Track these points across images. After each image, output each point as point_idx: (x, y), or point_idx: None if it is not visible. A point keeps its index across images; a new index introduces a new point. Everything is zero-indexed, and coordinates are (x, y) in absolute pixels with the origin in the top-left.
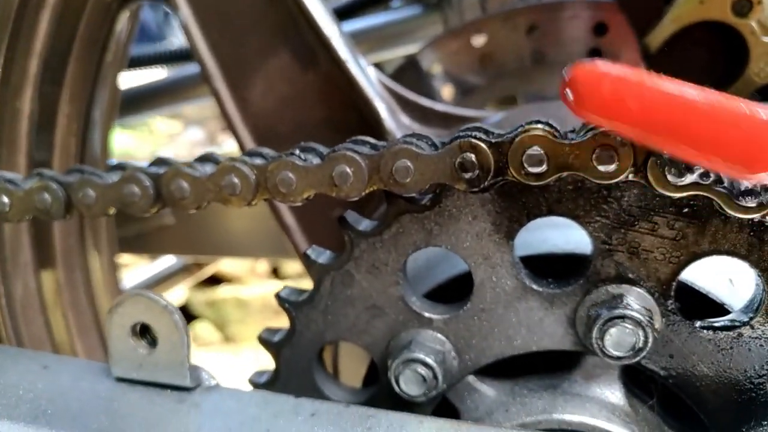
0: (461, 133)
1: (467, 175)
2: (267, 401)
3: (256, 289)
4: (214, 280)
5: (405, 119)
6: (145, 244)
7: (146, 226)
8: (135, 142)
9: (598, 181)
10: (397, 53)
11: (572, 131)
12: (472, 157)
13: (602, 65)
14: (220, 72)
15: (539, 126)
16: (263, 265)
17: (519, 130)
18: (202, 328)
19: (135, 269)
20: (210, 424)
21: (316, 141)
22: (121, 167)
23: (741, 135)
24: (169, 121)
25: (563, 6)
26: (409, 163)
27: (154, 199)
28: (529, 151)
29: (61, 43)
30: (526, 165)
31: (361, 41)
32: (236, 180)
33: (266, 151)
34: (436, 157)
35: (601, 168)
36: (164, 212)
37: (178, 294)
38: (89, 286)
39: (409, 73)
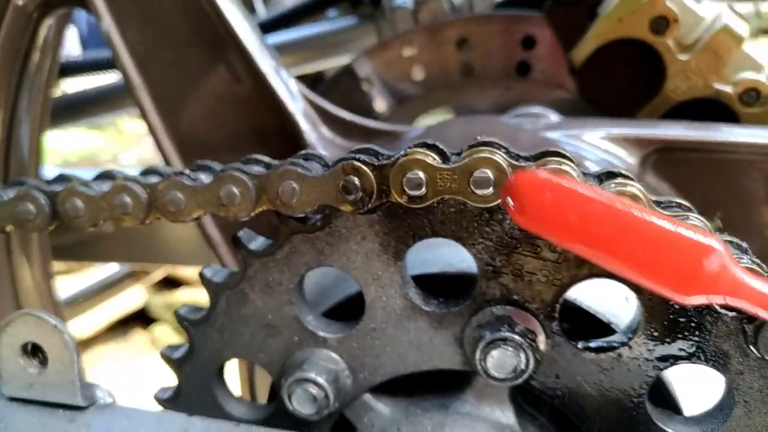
0: (346, 155)
1: (351, 197)
2: (159, 420)
3: None
4: (173, 283)
5: (327, 132)
6: (82, 252)
7: (84, 234)
8: (102, 143)
9: (477, 205)
10: (333, 63)
11: (457, 153)
12: (355, 179)
13: (545, 174)
14: (144, 83)
15: (420, 150)
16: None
17: (401, 153)
18: (161, 332)
19: (78, 276)
20: None
21: (242, 154)
22: (19, 183)
23: (675, 259)
24: (137, 121)
25: (492, 19)
26: (294, 185)
27: (50, 217)
28: (409, 175)
29: None
30: (406, 188)
31: (298, 51)
32: (128, 199)
33: (164, 169)
34: (321, 178)
35: (479, 192)
36: None
37: (136, 297)
38: (17, 297)
39: (344, 82)
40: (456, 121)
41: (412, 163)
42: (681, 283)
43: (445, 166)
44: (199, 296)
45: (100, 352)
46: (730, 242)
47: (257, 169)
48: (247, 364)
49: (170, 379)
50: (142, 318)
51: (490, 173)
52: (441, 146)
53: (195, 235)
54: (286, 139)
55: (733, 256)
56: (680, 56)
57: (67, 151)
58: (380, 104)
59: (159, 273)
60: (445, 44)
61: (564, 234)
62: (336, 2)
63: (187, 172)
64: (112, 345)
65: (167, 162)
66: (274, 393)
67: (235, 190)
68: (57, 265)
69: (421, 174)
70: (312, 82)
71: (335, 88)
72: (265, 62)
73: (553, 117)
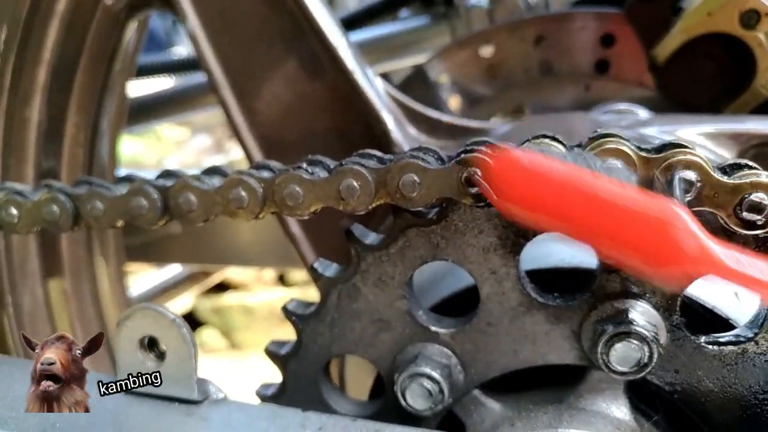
0: (468, 147)
1: (473, 190)
2: (275, 415)
3: (262, 296)
4: (221, 287)
5: (412, 130)
6: (151, 253)
7: (153, 235)
8: (142, 149)
9: None
10: (404, 63)
11: (578, 146)
12: (478, 171)
13: (516, 152)
14: (227, 81)
15: (543, 141)
16: (270, 273)
17: (526, 144)
18: (208, 335)
19: (141, 277)
20: None
21: (323, 151)
22: (128, 179)
23: (649, 233)
24: (176, 128)
25: (571, 17)
26: (415, 177)
27: (162, 211)
28: None
29: (70, 53)
30: None
31: (369, 51)
32: (244, 193)
33: (273, 164)
34: (443, 171)
35: None
36: None
37: (184, 301)
38: (97, 295)
39: (416, 84)
40: (544, 117)
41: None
42: (653, 258)
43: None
44: (246, 300)
45: None
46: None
47: (373, 162)
48: (339, 360)
49: (217, 382)
50: (189, 321)
51: (619, 164)
52: (561, 138)
53: (262, 236)
54: (368, 136)
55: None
56: None
57: None
58: (453, 104)
59: (214, 278)
60: (523, 42)
61: (543, 213)
62: (408, 2)
63: (305, 165)
64: None
65: (250, 161)
66: (378, 389)
67: (355, 184)
68: None
69: None
70: None
71: (407, 89)
72: (350, 60)
73: (642, 113)
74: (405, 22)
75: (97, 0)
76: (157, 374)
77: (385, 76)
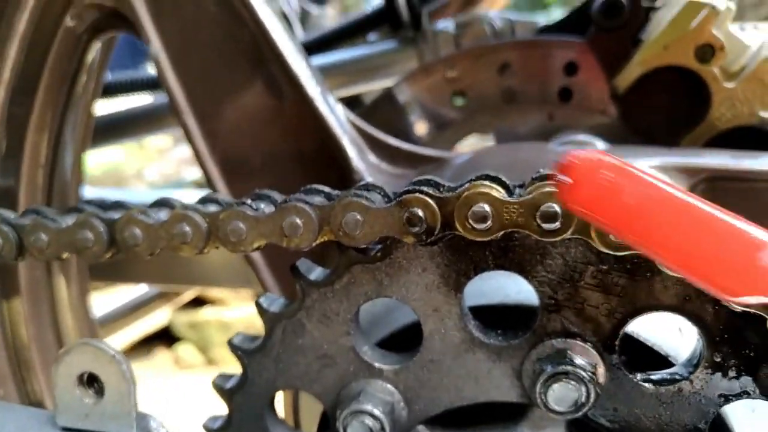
0: (409, 187)
1: (415, 229)
2: None
3: (239, 311)
4: (198, 302)
5: (373, 158)
6: (118, 273)
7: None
8: (124, 158)
9: (541, 239)
10: (373, 86)
11: (520, 186)
12: (419, 212)
13: (604, 155)
14: (189, 105)
15: (485, 183)
16: (248, 297)
17: (466, 186)
18: (184, 351)
19: (109, 296)
20: None
21: (286, 176)
22: (77, 210)
23: (728, 251)
24: (159, 137)
25: (535, 44)
26: (358, 216)
27: (108, 245)
28: (475, 208)
29: (30, 73)
30: (471, 221)
31: (338, 73)
32: (188, 228)
33: (221, 197)
34: (385, 210)
35: (546, 226)
36: None
37: (160, 316)
38: (56, 319)
39: (384, 107)
40: (503, 147)
41: (478, 196)
42: (732, 277)
43: (511, 199)
44: (223, 315)
45: None
46: None
47: (318, 199)
48: (292, 394)
49: (193, 398)
50: (165, 337)
51: (557, 207)
52: (503, 178)
53: (231, 257)
54: (330, 163)
55: None
56: (726, 84)
57: (91, 165)
58: (420, 129)
59: (189, 294)
60: (487, 69)
61: (617, 218)
62: (376, 25)
63: (249, 201)
64: (136, 363)
65: (211, 185)
66: (324, 424)
67: (298, 221)
68: None
69: (486, 207)
70: (348, 105)
71: (375, 112)
72: (311, 87)
73: (599, 144)
74: (373, 45)
75: (58, 21)
76: (96, 411)
77: (356, 99)
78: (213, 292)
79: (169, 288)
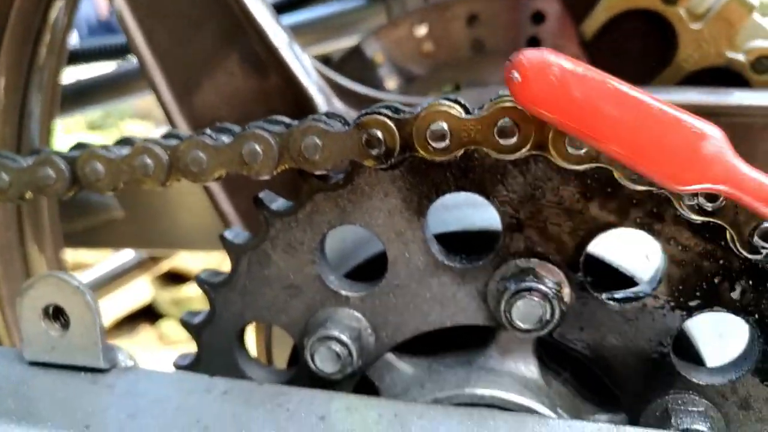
0: (368, 110)
1: (374, 152)
2: (182, 380)
3: None
4: (180, 279)
5: (340, 105)
6: (93, 239)
7: (94, 220)
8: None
9: (501, 156)
10: (342, 44)
11: (480, 108)
12: (378, 133)
13: (551, 53)
14: (156, 61)
15: (444, 102)
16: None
17: (424, 105)
18: (168, 327)
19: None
20: (120, 404)
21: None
22: (37, 152)
23: (672, 142)
24: (140, 123)
25: None
26: (317, 140)
27: (70, 182)
28: (433, 126)
29: None
30: (429, 140)
31: (308, 32)
32: (149, 161)
33: (182, 133)
34: (344, 134)
35: (503, 142)
36: (113, 206)
37: (144, 293)
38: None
39: (353, 62)
40: (470, 91)
41: (436, 115)
42: (677, 166)
43: (468, 116)
44: None
45: None
46: None
47: (278, 128)
48: (265, 331)
49: None
50: (149, 314)
51: (514, 122)
52: (462, 100)
53: (206, 219)
54: (299, 112)
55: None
56: (692, 25)
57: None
58: (390, 83)
59: (166, 265)
60: (455, 21)
61: (567, 113)
62: None
63: (209, 132)
64: (120, 341)
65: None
66: (294, 358)
67: (258, 148)
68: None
69: (444, 125)
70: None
71: (344, 68)
72: (278, 37)
73: None
74: (342, 2)
75: None
76: (62, 343)
77: (326, 58)
78: (196, 269)
79: (149, 253)
